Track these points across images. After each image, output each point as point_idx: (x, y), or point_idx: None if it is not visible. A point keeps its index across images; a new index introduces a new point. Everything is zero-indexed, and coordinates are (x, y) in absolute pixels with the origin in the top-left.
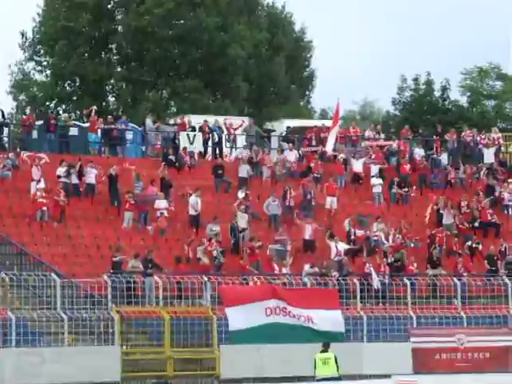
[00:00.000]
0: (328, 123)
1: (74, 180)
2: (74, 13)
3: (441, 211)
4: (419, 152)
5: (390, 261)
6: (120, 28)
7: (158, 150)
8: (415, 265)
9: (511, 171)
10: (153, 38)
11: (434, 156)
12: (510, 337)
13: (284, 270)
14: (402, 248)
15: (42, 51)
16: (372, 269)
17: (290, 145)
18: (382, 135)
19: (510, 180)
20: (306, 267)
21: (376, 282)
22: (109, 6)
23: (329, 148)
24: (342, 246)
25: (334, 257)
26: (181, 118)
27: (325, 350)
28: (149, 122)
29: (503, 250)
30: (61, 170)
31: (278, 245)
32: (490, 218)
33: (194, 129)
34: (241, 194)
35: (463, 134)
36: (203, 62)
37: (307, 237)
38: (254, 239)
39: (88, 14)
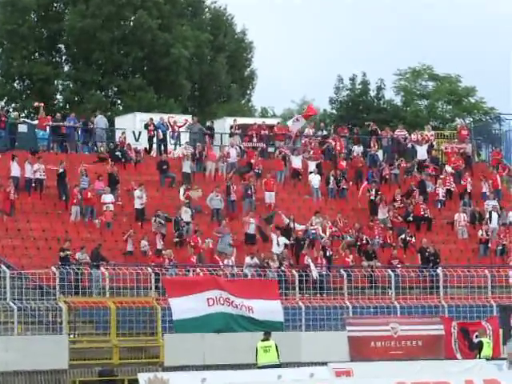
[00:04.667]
0: (268, 121)
1: (29, 175)
2: (18, 16)
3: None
4: (356, 149)
5: (328, 254)
6: (66, 29)
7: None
8: (351, 257)
9: (443, 168)
10: (97, 40)
11: (372, 152)
12: (441, 326)
13: (226, 262)
14: (339, 242)
15: None
16: (310, 260)
17: (232, 141)
18: (325, 132)
19: (441, 176)
20: (247, 259)
21: (315, 273)
22: (55, 8)
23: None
24: (283, 240)
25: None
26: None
27: (266, 339)
28: (101, 118)
29: None
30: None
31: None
32: (422, 212)
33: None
34: (182, 190)
35: (396, 131)
36: (147, 61)
37: (251, 231)
38: (198, 232)
39: (35, 16)
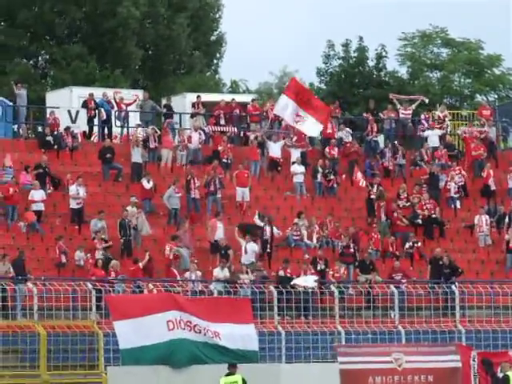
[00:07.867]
0: (240, 98)
1: None
2: None
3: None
4: (349, 133)
5: (320, 268)
6: None
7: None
8: (342, 269)
9: (459, 157)
10: None
11: (369, 138)
12: (457, 356)
13: (187, 276)
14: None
15: None
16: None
17: (194, 123)
18: None
19: (457, 168)
20: (216, 271)
21: (311, 282)
22: None
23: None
24: (253, 247)
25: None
26: None
27: (231, 373)
28: (21, 93)
29: None
30: None
31: (181, 247)
32: (432, 213)
33: None
34: (147, 184)
35: (401, 111)
36: (87, 23)
37: (218, 238)
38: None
39: None
